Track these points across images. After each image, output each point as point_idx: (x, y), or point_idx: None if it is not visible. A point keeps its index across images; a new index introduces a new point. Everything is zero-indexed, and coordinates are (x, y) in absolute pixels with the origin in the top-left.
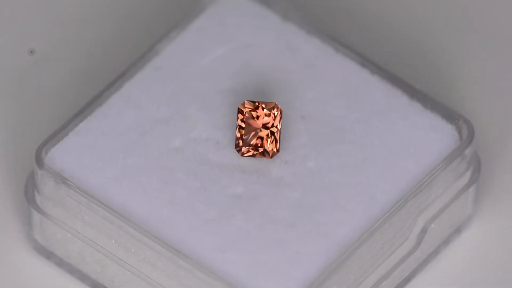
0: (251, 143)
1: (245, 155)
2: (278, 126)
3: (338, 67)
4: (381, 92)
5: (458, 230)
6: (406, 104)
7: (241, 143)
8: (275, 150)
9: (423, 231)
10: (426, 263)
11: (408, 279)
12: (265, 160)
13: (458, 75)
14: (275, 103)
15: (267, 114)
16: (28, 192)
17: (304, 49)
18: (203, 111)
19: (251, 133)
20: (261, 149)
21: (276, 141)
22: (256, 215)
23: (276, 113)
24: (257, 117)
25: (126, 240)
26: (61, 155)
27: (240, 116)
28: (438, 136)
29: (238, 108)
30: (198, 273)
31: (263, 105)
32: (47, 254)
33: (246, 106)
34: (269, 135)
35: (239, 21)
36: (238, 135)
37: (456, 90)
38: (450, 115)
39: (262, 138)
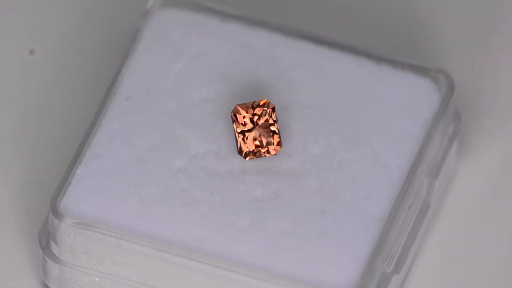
0: (253, 144)
1: (250, 157)
2: (275, 121)
3: (295, 51)
4: (346, 64)
5: (449, 183)
6: (375, 69)
7: (243, 147)
8: (278, 145)
9: (431, 188)
10: (434, 220)
11: (426, 238)
12: (269, 158)
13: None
14: (266, 100)
15: (261, 112)
16: (43, 244)
17: (255, 43)
18: (189, 127)
19: (250, 135)
20: (264, 148)
21: (277, 137)
22: (285, 212)
23: (269, 109)
24: (252, 117)
25: (165, 269)
26: (74, 204)
27: (236, 122)
28: (420, 91)
29: (231, 114)
30: (256, 280)
31: (254, 105)
32: None
33: (238, 110)
34: (269, 132)
35: (182, 34)
36: (239, 140)
37: (424, 41)
38: (421, 70)
39: (262, 137)
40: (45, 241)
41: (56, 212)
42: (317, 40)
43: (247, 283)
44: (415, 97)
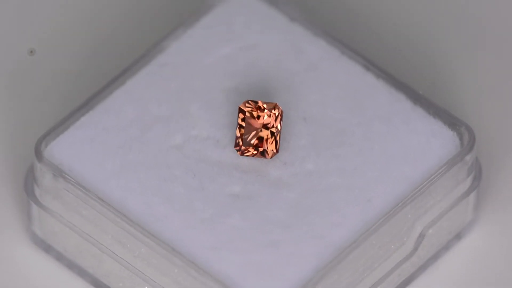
0: (251, 142)
1: (245, 154)
2: (278, 127)
3: (342, 70)
4: (384, 96)
5: (458, 236)
6: (409, 109)
7: (240, 143)
8: (274, 150)
9: (421, 236)
10: (424, 269)
11: (404, 284)
12: (264, 160)
13: (462, 81)
14: (276, 104)
15: (267, 114)
16: (28, 185)
17: (309, 50)
18: (205, 109)
19: (251, 132)
20: (260, 149)
21: (275, 142)
22: (252, 215)
23: (276, 114)
24: (258, 117)
25: (122, 236)
26: (61, 149)
27: (241, 116)
28: (439, 142)
29: (239, 107)
30: (191, 271)
31: (264, 105)
32: (46, 247)
33: (247, 105)
34: (269, 135)
35: (246, 21)
36: (238, 134)
37: (459, 95)
38: (452, 122)
39: (262, 138)
40: (30, 183)
41: (38, 152)
42: (367, 66)
43: (188, 272)
44: (432, 145)
